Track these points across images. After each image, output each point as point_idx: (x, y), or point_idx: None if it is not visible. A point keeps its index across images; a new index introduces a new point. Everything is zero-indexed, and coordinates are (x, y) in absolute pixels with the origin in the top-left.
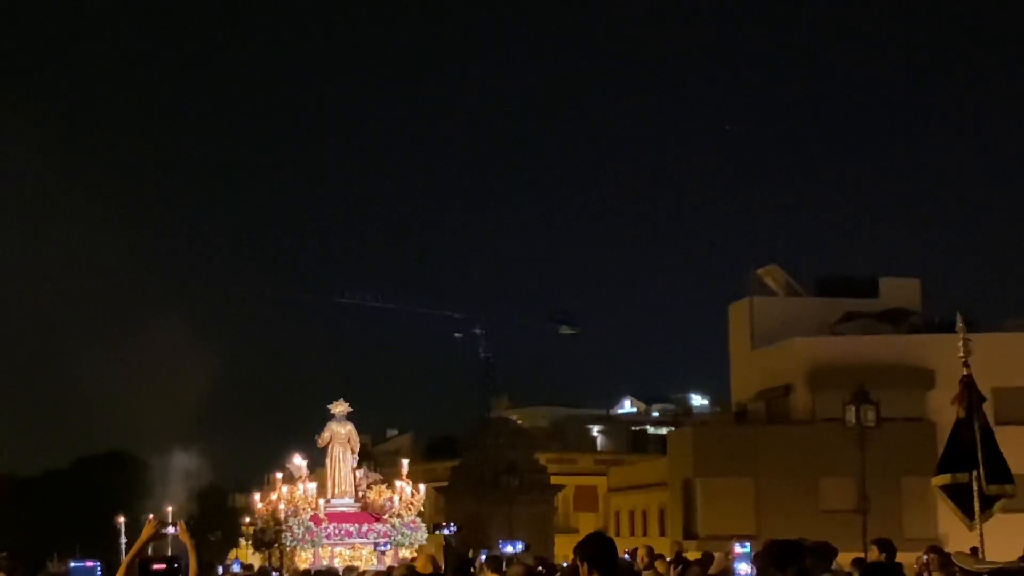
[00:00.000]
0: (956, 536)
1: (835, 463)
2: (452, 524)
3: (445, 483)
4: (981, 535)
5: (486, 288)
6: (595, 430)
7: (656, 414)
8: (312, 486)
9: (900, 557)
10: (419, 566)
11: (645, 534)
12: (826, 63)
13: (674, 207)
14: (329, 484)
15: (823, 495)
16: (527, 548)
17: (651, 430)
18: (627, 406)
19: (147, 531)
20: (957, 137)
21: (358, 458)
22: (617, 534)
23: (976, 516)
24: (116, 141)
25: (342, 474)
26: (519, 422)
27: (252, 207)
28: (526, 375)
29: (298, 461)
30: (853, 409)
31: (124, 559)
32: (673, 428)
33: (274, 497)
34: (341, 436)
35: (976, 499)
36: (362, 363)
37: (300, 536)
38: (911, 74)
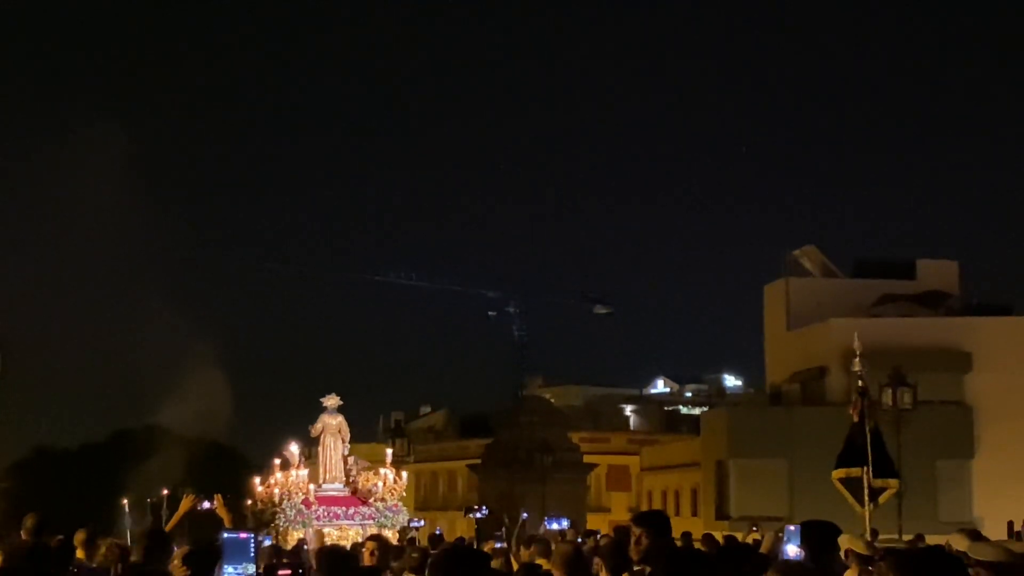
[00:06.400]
0: (991, 519)
1: None
2: (484, 507)
3: (478, 460)
4: (867, 520)
5: (520, 267)
6: (628, 409)
7: (689, 394)
8: (304, 472)
9: (932, 540)
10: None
11: (678, 514)
12: (867, 44)
13: (711, 187)
14: (321, 470)
15: None
16: (571, 525)
17: (684, 410)
18: (660, 386)
19: (185, 505)
20: (996, 119)
21: (348, 447)
22: None
23: (865, 504)
24: (163, 125)
25: (332, 462)
26: (552, 401)
27: (288, 190)
28: (560, 354)
29: (293, 448)
30: (890, 392)
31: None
32: (706, 408)
33: (272, 481)
34: (332, 427)
35: (865, 490)
36: (396, 341)
37: (292, 518)
38: (951, 55)
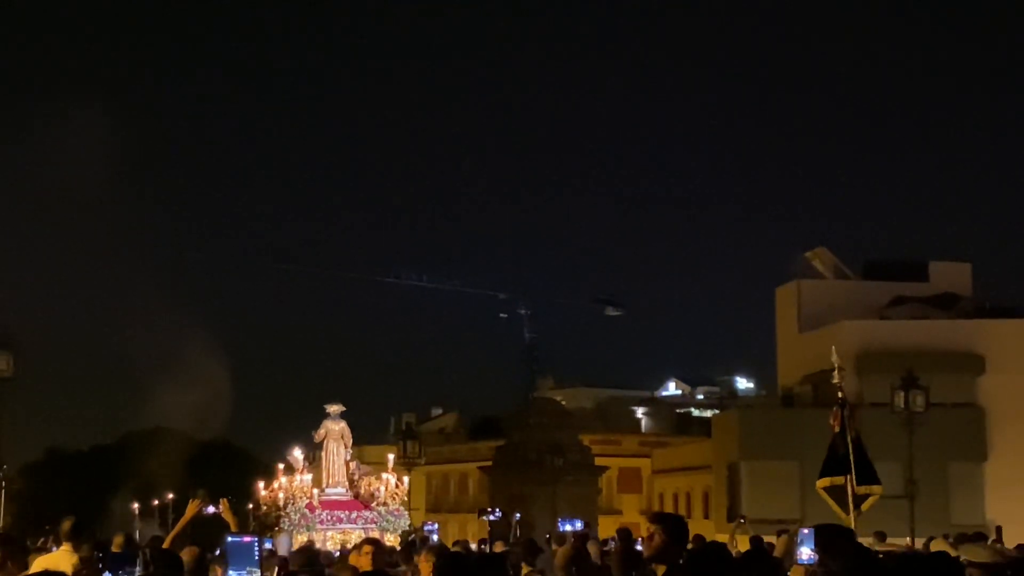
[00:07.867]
0: (1004, 521)
1: (882, 448)
2: (497, 510)
3: (489, 463)
4: (853, 526)
5: (532, 268)
6: (639, 412)
7: (701, 397)
8: (308, 477)
9: (937, 544)
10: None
11: (689, 516)
12: (879, 44)
13: (723, 189)
14: (324, 475)
15: None
16: (586, 526)
17: (696, 412)
18: (672, 388)
19: (191, 510)
20: (1009, 120)
21: (350, 452)
22: None
23: (850, 511)
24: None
25: (335, 466)
26: (563, 403)
27: (295, 194)
28: (571, 356)
29: (297, 453)
30: (902, 394)
31: (168, 536)
32: (718, 411)
33: (276, 485)
34: (335, 432)
35: (849, 498)
36: (407, 343)
37: (296, 521)
38: (963, 57)
